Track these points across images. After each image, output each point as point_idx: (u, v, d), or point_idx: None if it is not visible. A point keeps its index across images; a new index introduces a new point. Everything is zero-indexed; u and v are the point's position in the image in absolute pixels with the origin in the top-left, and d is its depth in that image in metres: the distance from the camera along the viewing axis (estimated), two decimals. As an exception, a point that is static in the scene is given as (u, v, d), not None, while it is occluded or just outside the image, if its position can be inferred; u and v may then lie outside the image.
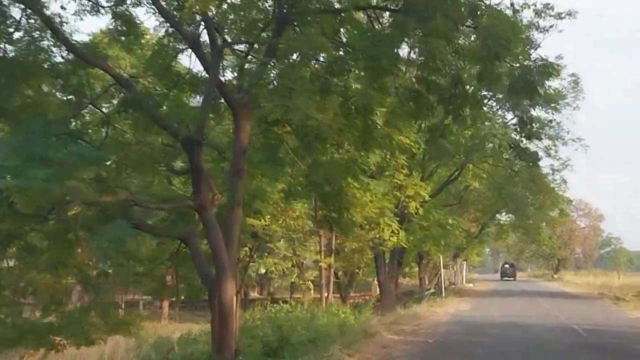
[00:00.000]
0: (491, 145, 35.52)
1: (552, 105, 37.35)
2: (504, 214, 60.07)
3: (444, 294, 37.16)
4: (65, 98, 13.23)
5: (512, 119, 37.36)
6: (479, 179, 43.90)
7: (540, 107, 37.97)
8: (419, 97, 13.57)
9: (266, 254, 34.56)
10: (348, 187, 17.41)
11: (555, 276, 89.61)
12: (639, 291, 44.46)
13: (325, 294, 28.81)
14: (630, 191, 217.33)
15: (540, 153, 39.49)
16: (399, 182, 27.12)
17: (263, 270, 35.12)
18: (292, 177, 16.35)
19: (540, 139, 37.83)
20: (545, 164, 41.70)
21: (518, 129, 37.61)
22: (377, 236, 25.88)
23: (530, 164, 38.61)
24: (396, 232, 25.94)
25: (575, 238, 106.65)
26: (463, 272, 57.02)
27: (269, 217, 27.14)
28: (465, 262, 76.30)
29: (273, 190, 18.59)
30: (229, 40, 13.54)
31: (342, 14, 12.31)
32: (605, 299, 38.39)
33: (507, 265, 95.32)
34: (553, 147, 38.47)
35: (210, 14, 12.40)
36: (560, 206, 53.51)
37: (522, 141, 39.99)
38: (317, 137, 12.28)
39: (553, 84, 38.22)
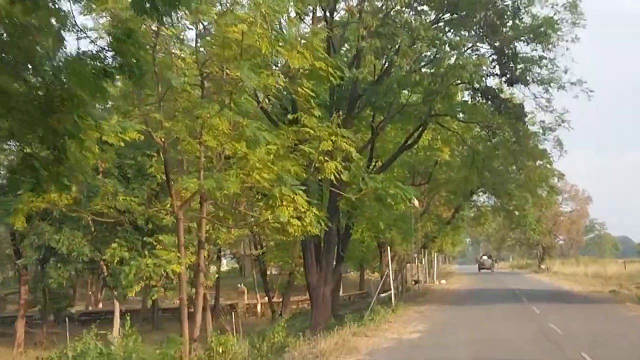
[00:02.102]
0: (458, 83, 25.27)
1: (541, 37, 26.95)
2: (481, 194, 50.06)
3: (394, 302, 26.27)
4: None
5: (490, 56, 26.98)
6: (447, 145, 33.80)
7: (525, 42, 27.65)
8: None
9: (146, 252, 24.33)
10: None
11: (542, 267, 79.76)
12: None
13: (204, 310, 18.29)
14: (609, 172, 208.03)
15: (528, 105, 29.41)
16: (310, 131, 16.59)
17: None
18: None
19: (527, 84, 27.49)
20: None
21: (497, 71, 27.48)
22: (270, 218, 15.37)
23: (514, 120, 28.41)
24: (303, 211, 15.40)
25: (561, 223, 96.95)
26: (434, 266, 46.78)
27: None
28: (438, 253, 66.26)
29: None
30: None
31: None
32: (627, 302, 27.16)
33: (484, 257, 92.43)
34: (544, 95, 27.93)
35: None
36: (549, 182, 43.47)
37: (501, 90, 29.88)
38: None
39: (543, 11, 28.06)
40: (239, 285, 41.38)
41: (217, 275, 24.76)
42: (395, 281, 34.95)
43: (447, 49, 23.68)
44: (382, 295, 33.63)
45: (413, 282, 36.38)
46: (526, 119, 29.05)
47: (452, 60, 23.37)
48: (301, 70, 15.91)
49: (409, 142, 29.21)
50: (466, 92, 29.86)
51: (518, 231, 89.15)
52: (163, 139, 14.59)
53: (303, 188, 15.54)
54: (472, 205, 49.23)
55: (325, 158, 16.27)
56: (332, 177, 16.50)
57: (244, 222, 17.72)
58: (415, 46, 21.72)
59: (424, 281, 42.61)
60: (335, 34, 25.12)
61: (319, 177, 16.51)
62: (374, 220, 23.91)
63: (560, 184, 52.46)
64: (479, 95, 28.36)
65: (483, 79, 26.66)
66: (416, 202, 41.75)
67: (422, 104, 25.14)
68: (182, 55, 15.35)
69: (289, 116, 17.43)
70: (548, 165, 40.44)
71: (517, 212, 48.63)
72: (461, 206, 46.24)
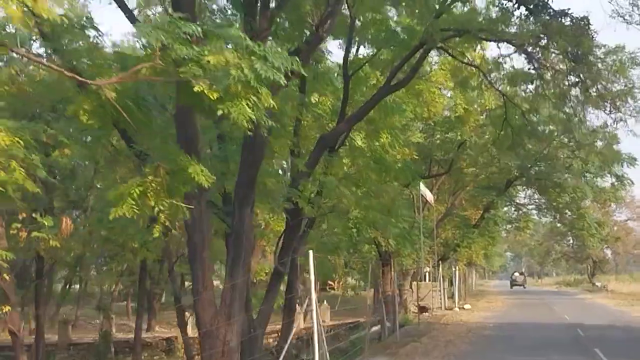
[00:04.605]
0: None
1: None
2: (520, 189, 37.91)
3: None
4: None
5: None
6: (463, 92, 22.33)
7: None
8: None
9: None
10: None
11: (597, 284, 66.45)
12: None
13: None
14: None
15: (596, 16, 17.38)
16: None
17: None
18: None
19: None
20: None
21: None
22: None
23: (573, 41, 16.37)
24: None
25: (615, 234, 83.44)
26: (456, 283, 34.32)
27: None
28: (468, 267, 53.87)
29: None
30: None
31: None
32: None
33: (516, 274, 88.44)
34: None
35: None
36: (617, 169, 31.13)
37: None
38: None
39: None
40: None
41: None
42: (392, 309, 23.04)
43: None
44: (374, 329, 21.91)
45: (418, 309, 24.40)
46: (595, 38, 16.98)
47: None
48: None
49: (395, 79, 17.45)
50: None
51: (564, 243, 77.14)
52: None
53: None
54: (507, 203, 37.21)
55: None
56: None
57: None
58: None
59: (441, 306, 30.38)
60: None
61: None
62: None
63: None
64: (514, 2, 16.80)
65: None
66: (429, 195, 30.04)
67: None
68: None
69: None
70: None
71: (568, 212, 36.53)
72: (494, 204, 34.21)
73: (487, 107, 26.29)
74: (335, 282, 58.51)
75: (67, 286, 38.80)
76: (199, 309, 13.63)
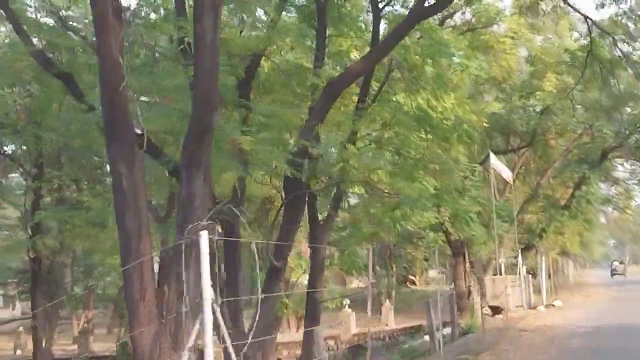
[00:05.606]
0: None
1: None
2: (619, 163, 32.37)
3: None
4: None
5: None
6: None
7: None
8: None
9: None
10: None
11: None
12: None
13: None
14: None
15: None
16: None
17: None
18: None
19: None
20: None
21: None
22: None
23: None
24: None
25: None
26: (542, 277, 28.70)
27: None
28: (562, 257, 47.97)
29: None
30: None
31: None
32: None
33: (616, 263, 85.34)
34: None
35: None
36: None
37: None
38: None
39: None
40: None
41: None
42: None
43: None
44: (438, 335, 17.28)
45: (488, 312, 19.39)
46: None
47: None
48: None
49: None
50: None
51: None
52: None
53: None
54: (603, 179, 31.72)
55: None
56: None
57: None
58: None
59: (523, 304, 25.08)
60: None
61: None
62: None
63: None
64: None
65: None
66: (505, 171, 25.11)
67: None
68: None
69: None
70: None
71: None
72: (586, 179, 28.84)
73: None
74: (417, 277, 54.58)
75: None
76: (135, 329, 9.16)
